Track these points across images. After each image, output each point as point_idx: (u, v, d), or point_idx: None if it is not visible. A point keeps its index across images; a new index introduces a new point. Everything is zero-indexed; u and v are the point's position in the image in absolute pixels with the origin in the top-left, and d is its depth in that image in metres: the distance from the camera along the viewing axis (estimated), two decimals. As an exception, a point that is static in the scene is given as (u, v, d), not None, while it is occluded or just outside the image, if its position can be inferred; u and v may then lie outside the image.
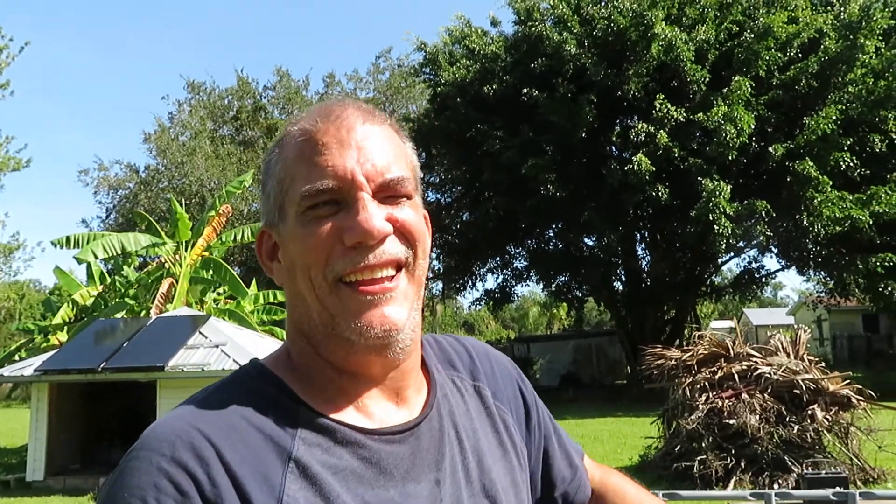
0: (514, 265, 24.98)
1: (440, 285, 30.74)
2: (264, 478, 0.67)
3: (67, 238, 12.69)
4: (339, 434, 0.73)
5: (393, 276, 0.75)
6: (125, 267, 14.25)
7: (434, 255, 29.78)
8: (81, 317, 13.29)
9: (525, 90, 17.52)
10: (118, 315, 12.37)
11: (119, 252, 12.77)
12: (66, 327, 13.30)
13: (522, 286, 25.31)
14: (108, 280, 14.42)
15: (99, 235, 12.76)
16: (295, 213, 0.76)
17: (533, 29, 18.30)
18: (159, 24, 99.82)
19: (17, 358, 13.58)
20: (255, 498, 0.65)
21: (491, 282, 37.48)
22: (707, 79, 16.69)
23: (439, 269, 29.30)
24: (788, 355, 9.84)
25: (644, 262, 22.83)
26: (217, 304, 14.00)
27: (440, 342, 0.95)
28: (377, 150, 0.77)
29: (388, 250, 0.75)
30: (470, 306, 32.67)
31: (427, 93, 23.99)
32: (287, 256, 0.78)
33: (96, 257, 12.97)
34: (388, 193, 0.76)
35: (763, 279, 22.49)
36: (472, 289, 26.10)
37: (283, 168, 0.78)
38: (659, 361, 10.02)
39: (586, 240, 22.25)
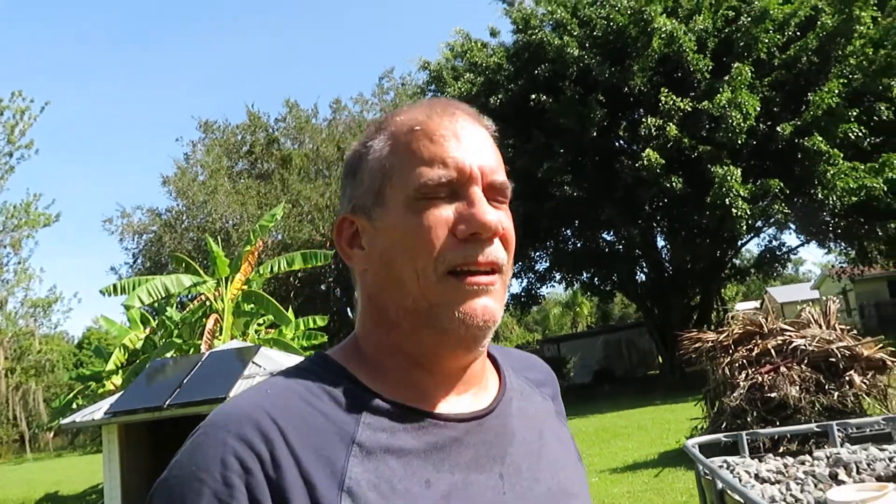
0: (537, 267, 25.35)
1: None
2: (327, 460, 0.67)
3: (114, 286, 13.24)
4: (403, 419, 0.73)
5: (491, 274, 0.76)
6: (168, 308, 14.78)
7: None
8: (133, 360, 13.83)
9: (532, 96, 17.95)
10: (168, 354, 12.86)
11: (164, 295, 13.27)
12: (119, 371, 13.85)
13: (547, 287, 25.65)
14: (153, 322, 14.95)
15: (146, 280, 13.30)
16: (404, 200, 0.76)
17: (533, 36, 18.75)
18: (165, 71, 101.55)
19: (74, 406, 14.16)
20: (318, 480, 0.66)
21: (516, 286, 37.77)
22: (710, 67, 17.03)
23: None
24: (820, 326, 10.13)
25: (665, 252, 23.13)
26: (259, 335, 14.49)
27: (509, 352, 0.96)
28: (488, 150, 0.80)
29: (495, 251, 0.76)
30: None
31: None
32: (379, 243, 0.78)
33: (143, 303, 13.48)
34: (494, 195, 0.78)
35: (785, 256, 22.70)
36: (498, 294, 26.40)
37: (391, 153, 0.78)
38: (696, 345, 10.36)
39: (605, 235, 22.62)
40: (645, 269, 23.46)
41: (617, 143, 19.62)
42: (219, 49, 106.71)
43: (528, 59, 19.22)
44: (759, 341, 9.93)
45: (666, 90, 16.80)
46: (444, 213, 0.75)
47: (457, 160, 0.76)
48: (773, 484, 2.60)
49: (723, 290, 28.55)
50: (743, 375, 9.60)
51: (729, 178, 15.42)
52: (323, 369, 0.77)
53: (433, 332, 0.75)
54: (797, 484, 2.57)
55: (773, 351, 9.66)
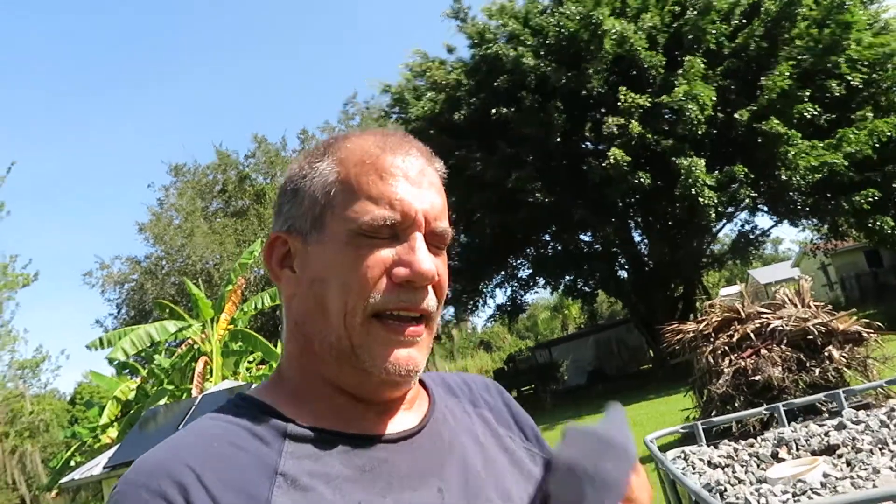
0: (519, 275, 25.61)
1: (452, 310, 31.33)
2: (249, 496, 0.66)
3: (101, 340, 13.27)
4: (329, 444, 0.73)
5: (419, 322, 0.77)
6: (156, 356, 14.80)
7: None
8: (126, 412, 13.82)
9: (493, 110, 18.23)
10: (161, 402, 12.85)
11: (149, 343, 13.29)
12: (114, 424, 13.83)
13: (531, 294, 25.91)
14: (143, 371, 14.98)
15: (129, 330, 13.31)
16: (345, 233, 0.75)
17: (488, 50, 19.06)
18: (127, 118, 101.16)
19: (72, 463, 14.12)
20: None
21: (500, 296, 37.98)
22: (663, 62, 17.43)
23: (448, 294, 29.89)
24: (796, 306, 10.40)
25: (643, 247, 23.46)
26: (251, 372, 14.54)
27: (440, 376, 0.96)
28: (435, 196, 0.79)
29: (427, 299, 0.77)
30: (485, 324, 33.20)
31: (400, 130, 24.69)
32: (312, 270, 0.77)
33: (127, 355, 13.49)
34: (434, 241, 0.78)
35: (759, 238, 23.11)
36: (483, 307, 26.68)
37: (338, 181, 0.77)
38: (678, 336, 10.59)
39: (582, 237, 22.90)
40: (625, 266, 23.78)
41: (583, 145, 19.94)
42: (179, 91, 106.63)
43: (486, 72, 19.51)
44: (738, 326, 10.16)
45: (624, 88, 17.16)
46: (383, 255, 0.74)
47: (403, 203, 0.75)
48: (723, 468, 2.78)
49: (704, 278, 28.91)
50: (726, 362, 9.82)
51: (694, 168, 15.77)
52: (241, 408, 0.77)
53: (355, 371, 0.76)
54: (741, 466, 2.76)
55: (752, 335, 9.89)
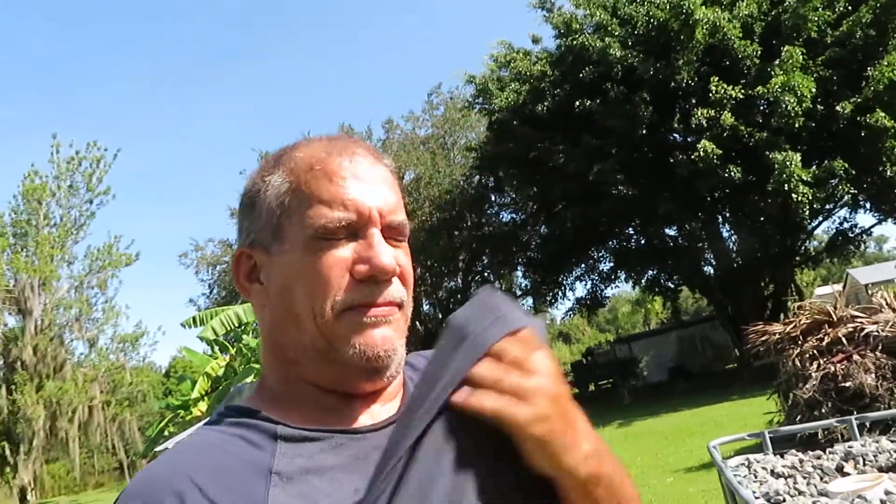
0: (600, 268, 25.23)
1: (530, 301, 31.17)
2: (248, 498, 0.68)
3: (193, 318, 14.04)
4: (320, 440, 0.74)
5: (390, 306, 0.78)
6: (244, 335, 15.49)
7: (520, 273, 30.38)
8: (216, 387, 14.58)
9: (577, 102, 17.95)
10: (248, 379, 13.47)
11: (237, 324, 13.93)
12: (204, 398, 14.62)
13: (612, 288, 25.45)
14: (232, 350, 15.73)
15: (220, 311, 14.00)
16: (303, 239, 0.76)
17: (574, 41, 18.78)
18: (222, 104, 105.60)
19: (166, 433, 15.05)
20: None
21: (580, 289, 37.47)
22: (758, 52, 16.71)
23: (527, 285, 29.77)
24: (894, 310, 9.83)
25: (731, 243, 22.64)
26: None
27: (419, 356, 0.97)
28: (387, 191, 0.80)
29: (392, 292, 0.77)
30: (564, 316, 32.93)
31: (484, 121, 24.72)
32: (278, 280, 0.78)
33: (216, 334, 14.18)
34: (392, 234, 0.79)
35: (859, 237, 21.85)
36: (562, 299, 26.46)
37: (289, 190, 0.78)
38: (763, 338, 10.19)
39: (667, 230, 22.32)
40: (712, 262, 23.02)
41: (670, 138, 19.39)
42: (267, 84, 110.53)
43: (571, 63, 19.26)
44: (829, 330, 9.69)
45: (716, 79, 16.56)
46: (343, 254, 0.75)
47: (356, 202, 0.76)
48: (785, 479, 2.71)
49: (799, 276, 27.58)
50: (814, 366, 9.39)
51: (789, 163, 15.08)
52: (232, 417, 0.78)
53: (334, 366, 0.76)
54: (804, 477, 2.68)
55: (844, 339, 9.42)
